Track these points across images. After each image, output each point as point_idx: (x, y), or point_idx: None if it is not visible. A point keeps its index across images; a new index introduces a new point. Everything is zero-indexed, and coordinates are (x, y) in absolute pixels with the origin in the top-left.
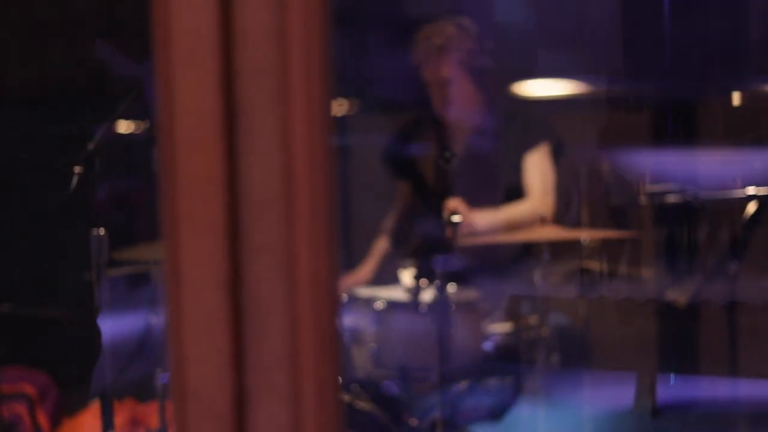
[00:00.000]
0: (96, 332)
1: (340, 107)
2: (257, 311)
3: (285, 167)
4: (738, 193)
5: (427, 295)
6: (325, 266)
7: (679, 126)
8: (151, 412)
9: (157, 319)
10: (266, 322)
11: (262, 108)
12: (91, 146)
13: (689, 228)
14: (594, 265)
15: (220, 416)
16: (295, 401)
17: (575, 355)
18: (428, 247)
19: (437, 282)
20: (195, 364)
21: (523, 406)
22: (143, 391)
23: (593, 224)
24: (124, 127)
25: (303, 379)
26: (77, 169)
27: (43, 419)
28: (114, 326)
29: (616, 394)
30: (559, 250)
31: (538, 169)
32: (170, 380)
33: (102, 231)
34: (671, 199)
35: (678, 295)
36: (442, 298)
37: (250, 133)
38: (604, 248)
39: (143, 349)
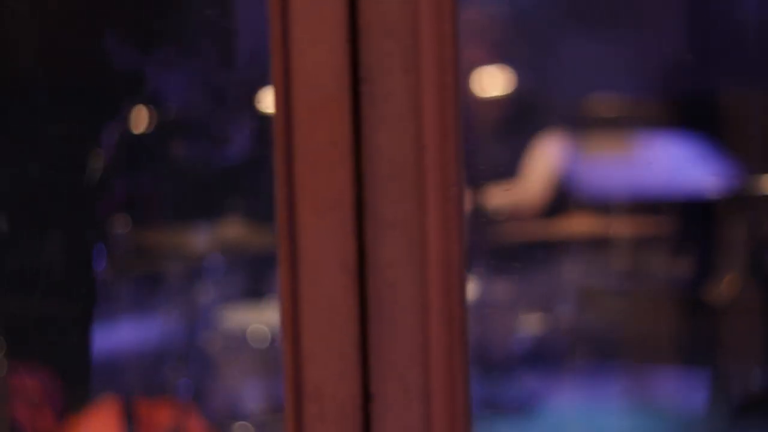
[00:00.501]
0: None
1: None
2: (384, 298)
3: (415, 138)
4: None
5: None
6: (456, 248)
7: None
8: (164, 412)
9: (171, 322)
10: (394, 310)
11: (390, 71)
12: (99, 147)
13: (726, 223)
14: (630, 258)
15: (344, 416)
16: (425, 399)
17: (613, 349)
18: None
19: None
20: (316, 360)
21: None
22: (156, 392)
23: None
24: (132, 122)
25: (432, 374)
26: (87, 167)
27: (48, 416)
28: (133, 328)
29: (672, 391)
30: (597, 242)
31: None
32: (285, 378)
33: (112, 228)
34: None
35: (719, 290)
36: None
37: (376, 98)
38: (643, 241)
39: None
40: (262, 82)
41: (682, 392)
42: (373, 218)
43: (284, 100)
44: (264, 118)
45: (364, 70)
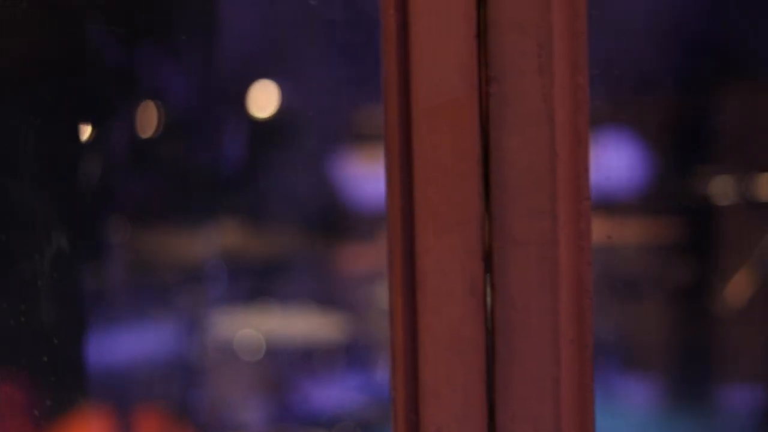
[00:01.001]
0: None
1: None
2: (513, 326)
3: (549, 145)
4: None
5: None
6: (587, 269)
7: None
8: (153, 422)
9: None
10: (524, 340)
11: (521, 70)
12: (89, 151)
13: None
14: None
15: None
16: None
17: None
18: None
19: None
20: (437, 398)
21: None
22: (147, 401)
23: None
24: (122, 125)
25: (563, 413)
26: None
27: (27, 426)
28: (127, 336)
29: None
30: None
31: None
32: (396, 419)
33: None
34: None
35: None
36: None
37: (506, 100)
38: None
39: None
40: (251, 83)
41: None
42: (501, 236)
43: (401, 103)
44: (253, 120)
45: (493, 69)
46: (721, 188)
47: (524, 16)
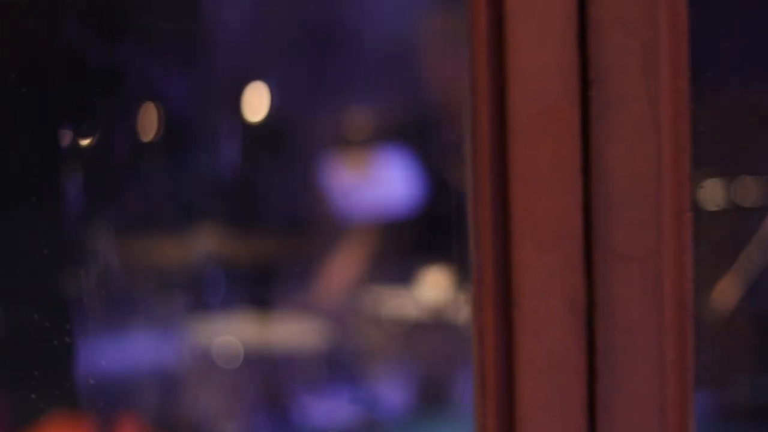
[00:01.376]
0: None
1: None
2: (616, 348)
3: (654, 153)
4: None
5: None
6: (688, 286)
7: None
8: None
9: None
10: (628, 363)
11: (625, 71)
12: (72, 159)
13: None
14: None
15: None
16: None
17: None
18: None
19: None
20: (533, 421)
21: None
22: (123, 409)
23: None
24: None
25: None
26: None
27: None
28: (107, 343)
29: None
30: None
31: None
32: None
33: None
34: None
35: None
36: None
37: (608, 105)
38: None
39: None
40: (242, 86)
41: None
42: (603, 251)
43: (492, 109)
44: (245, 123)
45: (594, 71)
46: (707, 193)
47: (629, 12)
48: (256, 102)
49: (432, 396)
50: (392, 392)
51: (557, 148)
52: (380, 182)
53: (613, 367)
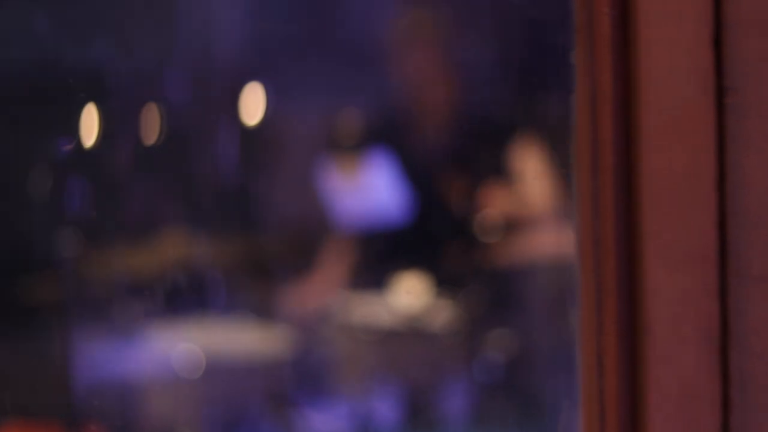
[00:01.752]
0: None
1: None
2: (751, 377)
3: None
4: None
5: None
6: None
7: None
8: None
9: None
10: (764, 391)
11: (761, 79)
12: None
13: None
14: None
15: None
16: None
17: None
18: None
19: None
20: None
21: None
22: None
23: None
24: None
25: None
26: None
27: None
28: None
29: None
30: None
31: None
32: None
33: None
34: None
35: None
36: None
37: (745, 114)
38: None
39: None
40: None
41: None
42: (738, 271)
43: (618, 118)
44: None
45: (730, 78)
46: None
47: (767, 14)
48: (252, 105)
49: (411, 405)
50: (369, 401)
51: (690, 160)
52: (368, 189)
53: (747, 399)
